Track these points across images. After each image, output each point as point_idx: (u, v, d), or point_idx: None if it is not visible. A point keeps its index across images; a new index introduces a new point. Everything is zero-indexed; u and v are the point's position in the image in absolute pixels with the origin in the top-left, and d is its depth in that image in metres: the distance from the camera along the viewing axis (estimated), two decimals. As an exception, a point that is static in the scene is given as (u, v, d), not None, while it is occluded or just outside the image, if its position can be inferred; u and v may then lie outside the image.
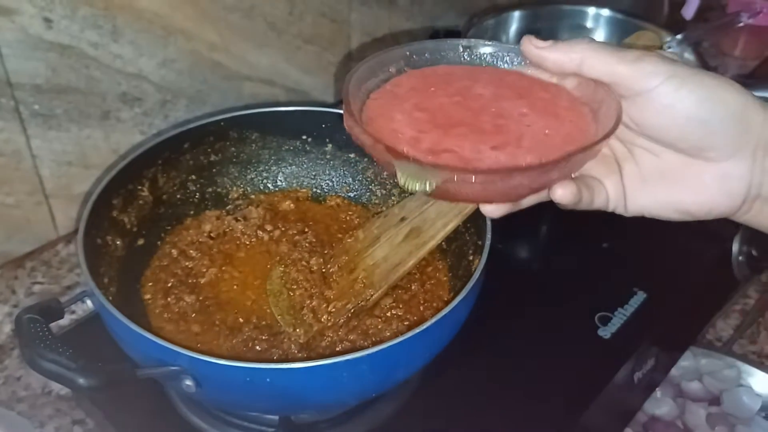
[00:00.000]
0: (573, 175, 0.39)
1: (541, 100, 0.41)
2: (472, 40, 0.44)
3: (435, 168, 0.35)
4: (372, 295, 0.58)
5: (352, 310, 0.58)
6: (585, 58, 0.38)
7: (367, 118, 0.39)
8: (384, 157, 0.37)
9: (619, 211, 0.42)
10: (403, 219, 0.61)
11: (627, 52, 0.38)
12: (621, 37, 0.96)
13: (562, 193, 0.38)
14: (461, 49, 0.44)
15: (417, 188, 0.36)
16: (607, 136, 0.36)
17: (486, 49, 0.44)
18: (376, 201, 0.72)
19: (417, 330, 0.47)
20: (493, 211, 0.41)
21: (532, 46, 0.40)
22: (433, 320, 0.48)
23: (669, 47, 0.86)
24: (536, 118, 0.39)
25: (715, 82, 0.37)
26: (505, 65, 0.44)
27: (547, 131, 0.39)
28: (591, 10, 0.97)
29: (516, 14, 0.96)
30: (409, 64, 0.43)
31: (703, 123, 0.37)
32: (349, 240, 0.64)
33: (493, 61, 0.44)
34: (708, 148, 0.38)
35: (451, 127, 0.38)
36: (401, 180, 0.36)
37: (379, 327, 0.58)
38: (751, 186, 0.38)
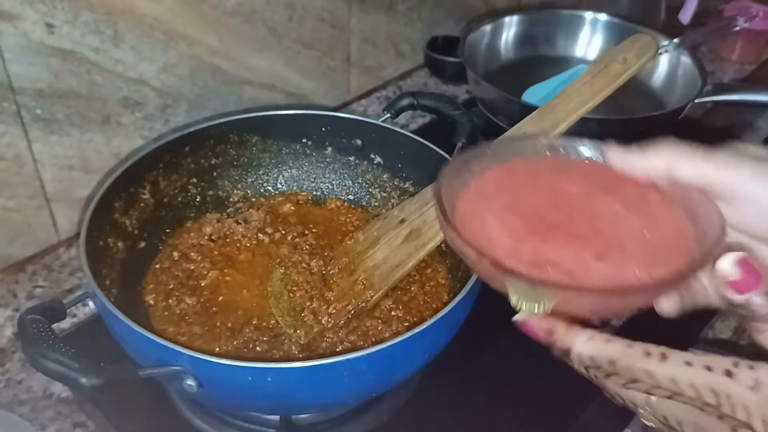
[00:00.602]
0: None
1: (632, 197, 0.38)
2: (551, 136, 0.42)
3: (551, 288, 0.33)
4: (372, 297, 0.59)
5: (353, 312, 0.59)
6: (675, 164, 0.36)
7: (459, 223, 0.37)
8: (489, 271, 0.34)
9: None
10: (402, 221, 0.61)
11: (720, 155, 0.36)
12: (618, 42, 0.97)
13: (669, 308, 0.36)
14: (541, 144, 0.42)
15: (531, 309, 0.33)
16: (716, 244, 0.33)
17: (566, 143, 0.42)
18: (376, 204, 0.73)
19: (416, 330, 0.48)
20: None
21: (617, 155, 0.38)
22: (432, 320, 0.48)
23: (666, 51, 0.87)
24: (632, 218, 0.37)
25: None
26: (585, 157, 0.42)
27: (646, 233, 0.36)
28: (588, 15, 0.98)
29: (514, 19, 0.97)
30: (491, 159, 0.41)
31: None
32: (349, 242, 0.64)
33: (572, 154, 0.42)
34: None
35: (548, 233, 0.36)
36: (513, 299, 0.34)
37: (379, 328, 0.58)
38: None
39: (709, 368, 0.30)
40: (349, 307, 0.59)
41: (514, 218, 0.37)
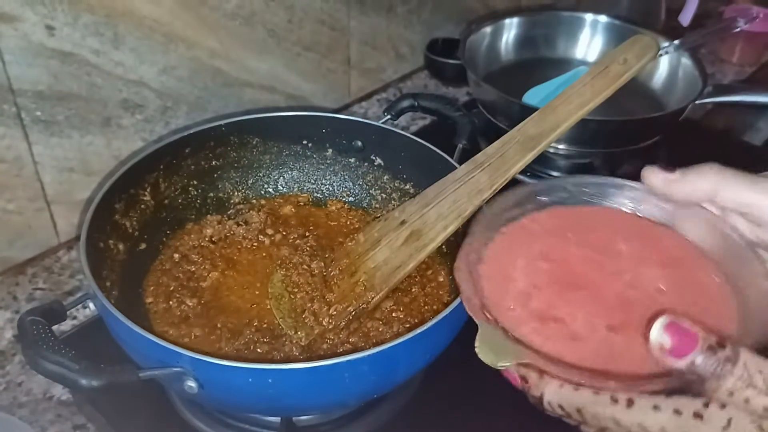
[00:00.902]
0: None
1: (685, 276, 0.36)
2: (618, 180, 0.40)
3: (518, 349, 0.31)
4: (373, 298, 0.59)
5: (354, 313, 0.58)
6: (717, 188, 0.36)
7: (489, 254, 0.36)
8: (471, 310, 0.33)
9: None
10: (403, 222, 0.61)
11: (762, 181, 0.36)
12: (618, 44, 0.97)
13: None
14: (612, 190, 0.40)
15: (488, 360, 0.32)
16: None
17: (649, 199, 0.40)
18: (377, 205, 0.73)
19: (417, 331, 0.47)
20: None
21: (659, 178, 0.38)
22: (433, 321, 0.48)
23: (666, 52, 0.87)
24: (672, 301, 0.34)
25: None
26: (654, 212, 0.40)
27: None
28: (588, 17, 0.98)
29: (514, 21, 0.97)
30: (557, 199, 0.40)
31: None
32: (349, 243, 0.64)
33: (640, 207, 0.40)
34: None
35: (570, 288, 0.35)
36: (476, 342, 0.32)
37: (380, 329, 0.58)
38: None
39: (678, 411, 0.29)
40: (350, 309, 0.59)
41: (543, 265, 0.36)
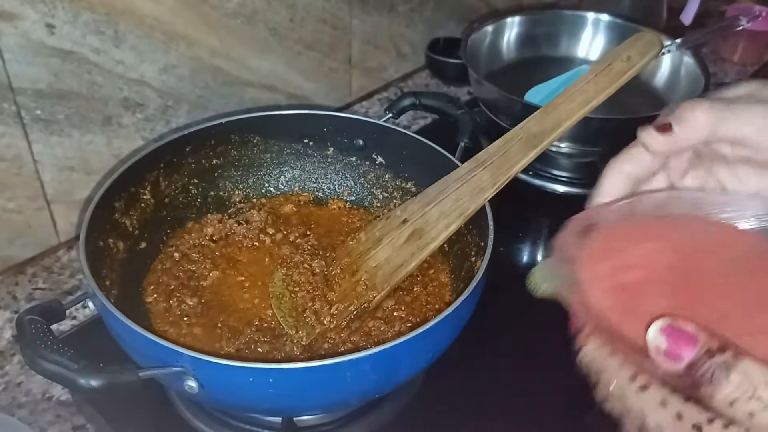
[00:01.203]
0: None
1: None
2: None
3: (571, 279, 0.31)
4: (374, 297, 0.58)
5: (355, 312, 0.58)
6: (715, 128, 0.35)
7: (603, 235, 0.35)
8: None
9: None
10: (405, 221, 0.61)
11: (754, 108, 0.35)
12: (620, 42, 0.97)
13: None
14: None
15: (536, 284, 0.33)
16: None
17: None
18: (378, 204, 0.72)
19: (419, 330, 0.47)
20: None
21: (659, 142, 0.37)
22: (435, 321, 0.48)
23: (668, 51, 0.87)
24: None
25: None
26: None
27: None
28: (590, 15, 0.98)
29: (516, 20, 0.97)
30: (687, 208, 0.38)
31: None
32: (351, 242, 0.64)
33: None
34: None
35: (675, 284, 0.33)
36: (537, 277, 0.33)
37: (382, 329, 0.57)
38: None
39: (679, 416, 0.28)
40: (352, 308, 0.58)
41: (664, 257, 0.34)
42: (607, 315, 0.32)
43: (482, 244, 0.57)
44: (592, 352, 0.32)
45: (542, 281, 0.33)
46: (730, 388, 0.27)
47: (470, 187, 0.57)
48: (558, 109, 0.55)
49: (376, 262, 0.60)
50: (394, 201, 0.71)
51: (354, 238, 0.64)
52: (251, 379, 0.45)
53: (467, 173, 0.58)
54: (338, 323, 0.58)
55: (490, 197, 0.56)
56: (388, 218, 0.63)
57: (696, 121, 0.36)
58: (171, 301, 0.60)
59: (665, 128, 0.37)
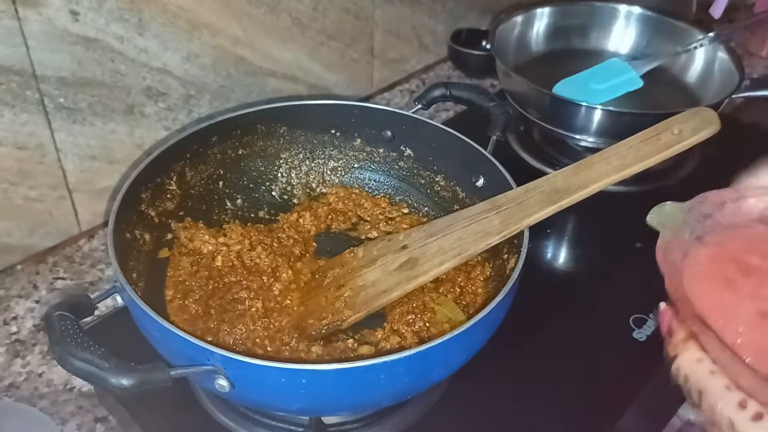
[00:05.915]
0: None
1: None
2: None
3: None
4: (348, 318, 0.57)
5: (326, 328, 0.57)
6: None
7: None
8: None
9: None
10: (404, 247, 0.60)
11: None
12: (650, 35, 0.95)
13: None
14: None
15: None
16: None
17: None
18: (402, 199, 0.71)
19: (453, 333, 0.46)
20: None
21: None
22: (470, 323, 0.47)
23: (701, 45, 0.85)
24: None
25: None
26: None
27: None
28: (622, 8, 0.95)
29: (546, 11, 0.94)
30: None
31: None
32: (348, 255, 0.63)
33: None
34: None
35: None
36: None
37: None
38: None
39: None
40: (324, 321, 0.57)
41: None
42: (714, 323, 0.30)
43: (515, 241, 0.56)
44: (690, 366, 0.30)
45: (659, 218, 0.35)
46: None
47: (477, 229, 0.55)
48: (591, 169, 0.52)
49: (363, 282, 0.59)
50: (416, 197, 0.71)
51: (352, 252, 0.63)
52: (284, 380, 0.44)
53: (478, 213, 0.57)
54: (313, 333, 0.57)
55: (493, 244, 0.54)
56: (390, 240, 0.62)
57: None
58: (187, 301, 0.59)
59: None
